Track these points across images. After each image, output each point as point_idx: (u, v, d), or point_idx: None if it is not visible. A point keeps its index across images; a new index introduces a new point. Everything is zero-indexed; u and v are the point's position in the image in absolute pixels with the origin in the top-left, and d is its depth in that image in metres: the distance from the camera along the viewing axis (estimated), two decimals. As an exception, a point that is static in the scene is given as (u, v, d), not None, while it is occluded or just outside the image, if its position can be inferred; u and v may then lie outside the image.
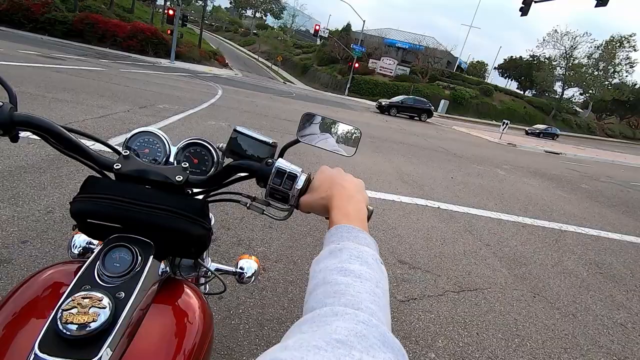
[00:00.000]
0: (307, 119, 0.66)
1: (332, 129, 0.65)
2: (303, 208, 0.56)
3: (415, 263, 2.76)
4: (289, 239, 2.73)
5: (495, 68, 61.03)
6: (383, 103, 24.09)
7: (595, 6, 12.40)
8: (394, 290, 2.33)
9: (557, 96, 48.95)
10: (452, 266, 2.84)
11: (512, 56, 58.55)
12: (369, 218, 0.53)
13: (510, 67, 57.26)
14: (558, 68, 46.76)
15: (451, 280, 2.61)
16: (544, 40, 46.62)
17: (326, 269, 0.38)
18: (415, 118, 24.31)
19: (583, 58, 45.31)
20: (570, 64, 44.87)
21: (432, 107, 25.33)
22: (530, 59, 53.34)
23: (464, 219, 4.11)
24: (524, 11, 15.46)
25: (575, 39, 43.97)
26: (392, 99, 25.50)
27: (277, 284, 2.13)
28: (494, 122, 36.98)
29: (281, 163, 0.56)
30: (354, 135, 0.66)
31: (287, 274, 2.26)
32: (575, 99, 51.57)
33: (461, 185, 5.91)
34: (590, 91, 46.40)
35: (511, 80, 59.11)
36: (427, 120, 24.47)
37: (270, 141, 0.63)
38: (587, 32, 45.48)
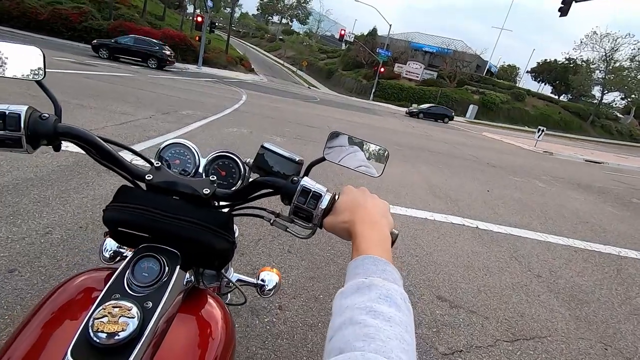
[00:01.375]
0: (334, 137, 0.63)
1: (359, 148, 0.63)
2: (325, 228, 0.55)
3: (456, 300, 2.36)
4: (309, 267, 2.40)
5: (527, 72, 58.55)
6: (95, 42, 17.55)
7: (646, 4, 11.41)
8: (433, 337, 1.95)
9: (595, 101, 46.26)
10: (501, 305, 2.42)
11: (546, 59, 56.00)
12: (393, 242, 0.52)
13: (544, 71, 54.71)
14: (597, 71, 44.14)
15: (502, 325, 2.19)
16: (581, 42, 44.04)
17: (354, 307, 0.37)
18: (143, 65, 17.74)
19: (625, 61, 42.51)
20: (611, 67, 42.24)
21: (169, 54, 18.38)
22: (566, 62, 50.74)
23: (507, 242, 3.64)
24: (564, 11, 14.53)
25: (616, 40, 41.37)
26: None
27: (294, 329, 1.80)
28: (526, 128, 35.34)
29: (306, 182, 0.56)
30: (382, 155, 0.64)
31: (307, 314, 1.93)
32: (615, 104, 48.51)
33: (499, 200, 5.40)
34: (633, 96, 43.45)
35: (545, 84, 56.49)
36: (164, 68, 18.35)
37: (297, 158, 0.63)
38: (629, 34, 42.47)
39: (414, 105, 30.16)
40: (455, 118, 31.20)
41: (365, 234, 0.48)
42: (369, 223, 0.50)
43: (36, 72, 0.61)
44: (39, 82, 0.60)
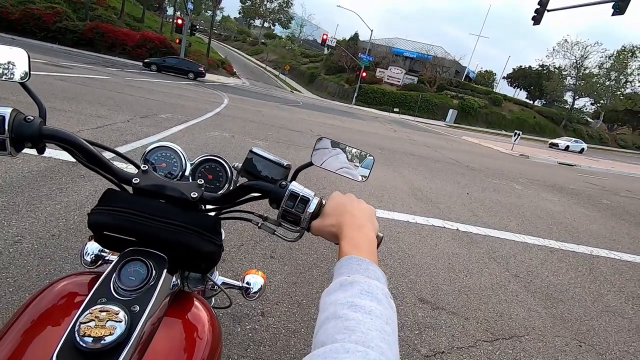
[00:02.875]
0: (321, 142, 0.65)
1: (345, 154, 0.65)
2: (312, 232, 0.56)
3: (438, 302, 2.39)
4: (292, 272, 2.38)
5: (504, 77, 60.50)
6: None
7: (612, 14, 11.99)
8: (415, 340, 1.96)
9: (567, 106, 48.23)
10: (481, 305, 2.47)
11: (521, 66, 58.06)
12: (378, 245, 0.53)
13: (519, 77, 56.68)
14: (568, 78, 46.10)
15: (482, 325, 2.23)
16: (553, 49, 46.06)
17: (337, 303, 0.38)
18: None
19: (594, 68, 44.60)
20: (581, 74, 44.19)
21: None
22: (540, 68, 52.75)
23: (486, 243, 3.73)
24: (537, 20, 15.10)
25: (586, 48, 43.36)
26: None
27: (277, 335, 1.78)
28: (503, 132, 36.44)
29: (294, 186, 0.57)
30: (367, 160, 0.65)
31: (290, 320, 1.91)
32: (586, 109, 50.75)
33: (478, 202, 5.53)
34: (602, 101, 45.61)
35: (520, 89, 58.49)
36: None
37: (285, 163, 0.63)
38: (597, 42, 44.80)
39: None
40: (436, 122, 31.74)
41: (352, 237, 0.49)
42: (356, 226, 0.51)
43: (20, 74, 0.60)
44: (22, 84, 0.60)
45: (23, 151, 0.57)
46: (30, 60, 0.62)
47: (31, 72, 0.61)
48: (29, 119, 0.54)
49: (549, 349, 2.13)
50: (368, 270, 0.44)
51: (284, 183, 0.58)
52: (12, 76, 0.60)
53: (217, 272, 0.97)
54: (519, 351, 2.05)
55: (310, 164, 0.64)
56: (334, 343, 0.32)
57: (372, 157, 0.66)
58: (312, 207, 0.56)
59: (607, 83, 44.02)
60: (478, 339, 2.09)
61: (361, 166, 0.65)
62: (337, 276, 0.44)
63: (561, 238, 4.47)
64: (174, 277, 0.59)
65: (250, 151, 0.64)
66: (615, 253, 4.28)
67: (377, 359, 0.30)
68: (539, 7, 14.27)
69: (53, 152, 3.43)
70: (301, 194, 0.56)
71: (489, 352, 1.99)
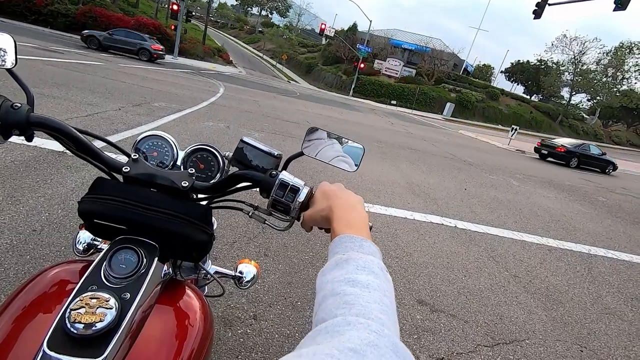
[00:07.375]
0: (312, 132, 0.65)
1: (336, 144, 0.65)
2: (305, 222, 0.56)
3: (437, 304, 2.32)
4: (286, 271, 2.29)
5: (502, 72, 60.29)
6: None
7: (614, 10, 11.87)
8: (414, 345, 1.89)
9: (564, 102, 48.31)
10: (480, 307, 2.40)
11: (519, 60, 57.80)
12: None
13: (517, 71, 56.49)
14: (566, 73, 46.05)
15: (482, 329, 2.17)
16: (552, 44, 45.77)
17: (334, 281, 0.39)
18: None
19: (592, 64, 44.55)
20: (579, 70, 44.14)
21: None
22: (538, 63, 52.59)
23: (484, 242, 3.67)
24: (537, 14, 14.95)
25: (584, 44, 43.17)
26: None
27: (270, 340, 1.69)
28: (500, 126, 36.43)
29: (285, 176, 0.57)
30: (358, 151, 0.66)
31: (284, 323, 1.82)
32: (582, 105, 50.90)
33: (475, 198, 5.47)
34: (598, 97, 45.71)
35: (517, 84, 58.37)
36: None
37: (275, 153, 0.63)
38: (596, 38, 44.71)
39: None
40: (433, 115, 31.64)
41: (343, 216, 0.49)
42: (347, 207, 0.51)
43: (7, 60, 0.59)
44: (9, 70, 0.59)
45: (10, 139, 0.55)
46: (17, 46, 0.59)
47: (18, 58, 0.59)
48: (16, 105, 0.54)
49: (550, 354, 2.07)
50: (362, 246, 0.44)
51: (274, 172, 0.57)
52: None
53: (209, 261, 0.96)
54: (520, 356, 1.99)
55: (301, 153, 0.63)
56: (335, 317, 0.33)
57: (362, 148, 0.66)
58: (301, 197, 0.56)
59: (604, 79, 44.04)
60: (478, 343, 2.02)
61: (353, 156, 0.65)
62: (332, 255, 0.43)
63: (559, 236, 4.43)
64: (166, 266, 0.59)
65: (241, 140, 0.64)
66: (612, 252, 4.25)
67: (378, 330, 0.30)
68: (540, 0, 14.09)
69: (39, 141, 3.28)
70: (291, 183, 0.56)
71: (490, 357, 1.93)
